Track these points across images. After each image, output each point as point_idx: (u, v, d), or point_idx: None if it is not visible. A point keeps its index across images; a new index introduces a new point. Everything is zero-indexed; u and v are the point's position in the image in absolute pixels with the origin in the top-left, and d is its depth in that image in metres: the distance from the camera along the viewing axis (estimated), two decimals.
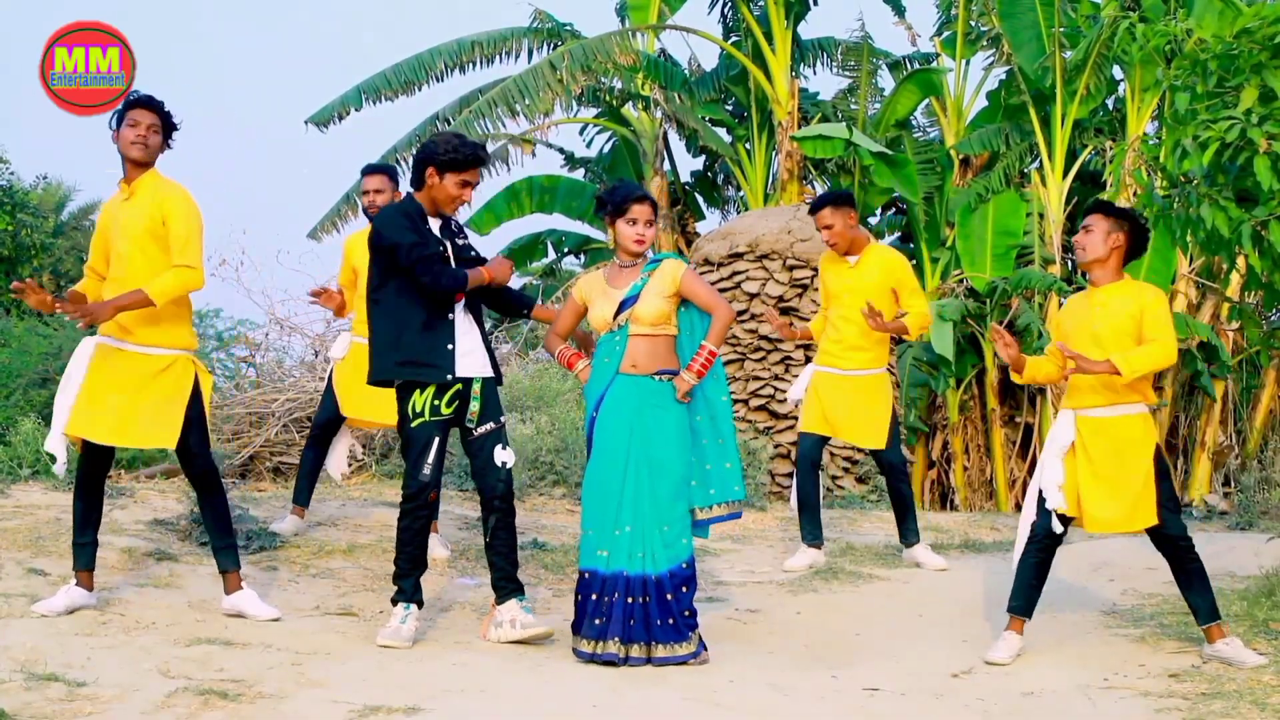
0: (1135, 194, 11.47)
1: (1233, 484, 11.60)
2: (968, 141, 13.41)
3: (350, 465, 9.42)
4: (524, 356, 11.90)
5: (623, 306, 5.19)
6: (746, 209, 14.38)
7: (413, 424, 5.18)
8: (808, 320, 9.26)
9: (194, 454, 5.25)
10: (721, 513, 5.31)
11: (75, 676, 4.43)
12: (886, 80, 14.79)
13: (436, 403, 5.17)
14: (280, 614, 5.33)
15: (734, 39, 14.49)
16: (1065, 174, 12.87)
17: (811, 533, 6.93)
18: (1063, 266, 12.69)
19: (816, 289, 11.47)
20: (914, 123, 14.63)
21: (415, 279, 5.10)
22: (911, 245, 14.14)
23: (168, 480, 8.20)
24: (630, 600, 5.03)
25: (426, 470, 5.16)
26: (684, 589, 5.08)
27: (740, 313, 11.09)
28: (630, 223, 5.21)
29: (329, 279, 9.34)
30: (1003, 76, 13.74)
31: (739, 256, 11.74)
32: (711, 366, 5.20)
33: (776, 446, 10.85)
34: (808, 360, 8.06)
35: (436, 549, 6.40)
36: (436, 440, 5.18)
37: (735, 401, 10.95)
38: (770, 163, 14.37)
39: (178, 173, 5.34)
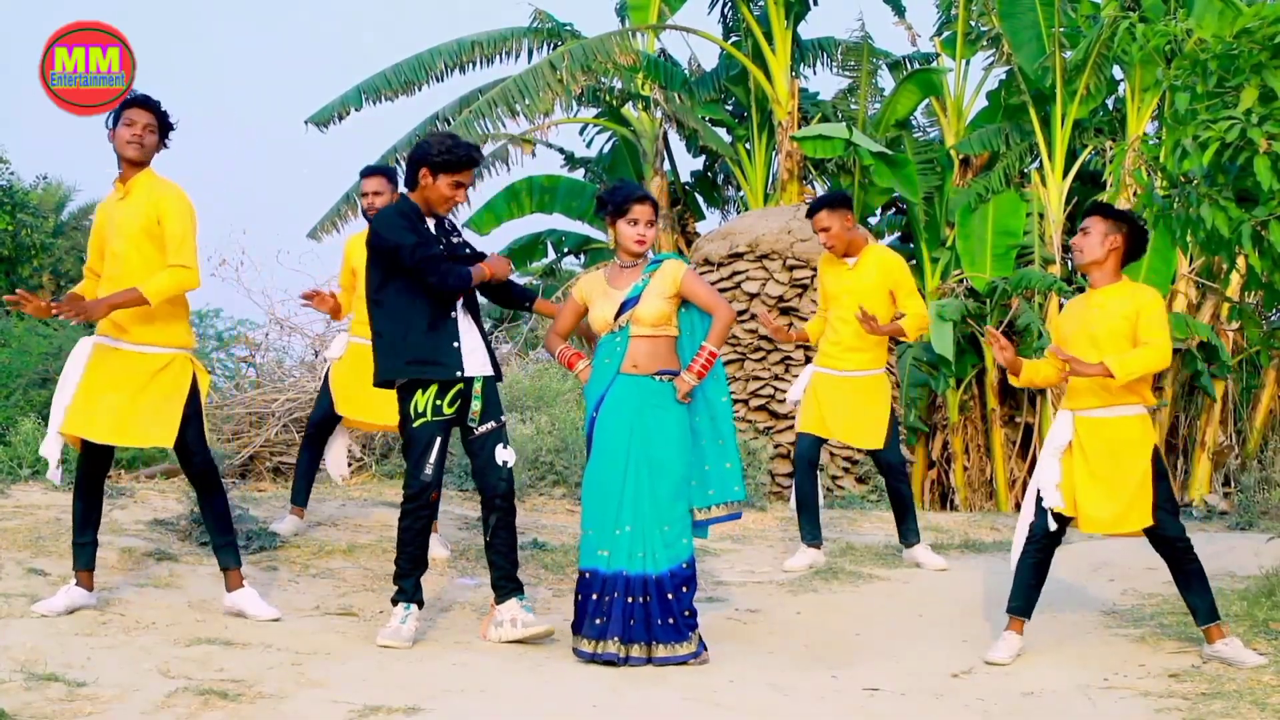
0: (1135, 194, 11.48)
1: (1233, 484, 11.60)
2: (968, 141, 13.41)
3: (350, 465, 9.43)
4: (524, 356, 11.90)
5: (624, 307, 5.19)
6: (746, 209, 14.38)
7: (414, 424, 5.18)
8: (807, 320, 9.26)
9: (191, 452, 5.25)
10: (720, 513, 5.31)
11: (75, 676, 4.43)
12: (886, 80, 14.79)
13: (438, 402, 5.17)
14: (280, 614, 5.33)
15: (734, 39, 14.49)
16: (1065, 174, 12.87)
17: (811, 533, 6.93)
18: (1063, 266, 12.69)
19: (816, 289, 11.48)
20: (914, 123, 14.64)
21: (421, 279, 5.11)
22: (911, 245, 14.14)
23: (168, 480, 8.20)
24: (630, 600, 5.03)
25: (428, 470, 5.16)
26: (684, 589, 5.08)
27: (740, 313, 11.09)
28: (631, 223, 5.21)
29: (329, 279, 9.35)
30: (1003, 76, 13.74)
31: (739, 256, 11.74)
32: (712, 367, 5.20)
33: (776, 446, 10.85)
34: (808, 360, 8.06)
35: (436, 549, 6.40)
36: (438, 440, 5.19)
37: (735, 401, 10.95)
38: (770, 163, 14.37)
39: (178, 173, 5.35)
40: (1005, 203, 13.01)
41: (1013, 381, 5.49)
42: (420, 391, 5.17)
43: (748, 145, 14.51)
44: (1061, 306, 10.89)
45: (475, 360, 5.25)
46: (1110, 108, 13.49)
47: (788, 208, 12.63)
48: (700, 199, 16.08)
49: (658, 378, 5.18)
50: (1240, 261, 6.41)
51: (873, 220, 14.75)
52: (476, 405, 5.24)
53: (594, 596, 5.07)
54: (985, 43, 13.49)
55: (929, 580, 6.73)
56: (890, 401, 6.96)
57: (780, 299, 11.26)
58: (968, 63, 13.87)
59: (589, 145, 16.03)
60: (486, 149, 14.02)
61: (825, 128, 12.67)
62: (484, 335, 5.36)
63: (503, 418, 5.35)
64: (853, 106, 14.43)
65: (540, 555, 6.87)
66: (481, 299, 5.59)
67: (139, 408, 5.15)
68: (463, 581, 6.27)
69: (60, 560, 5.70)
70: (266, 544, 6.41)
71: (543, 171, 15.69)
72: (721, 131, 14.94)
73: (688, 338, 5.28)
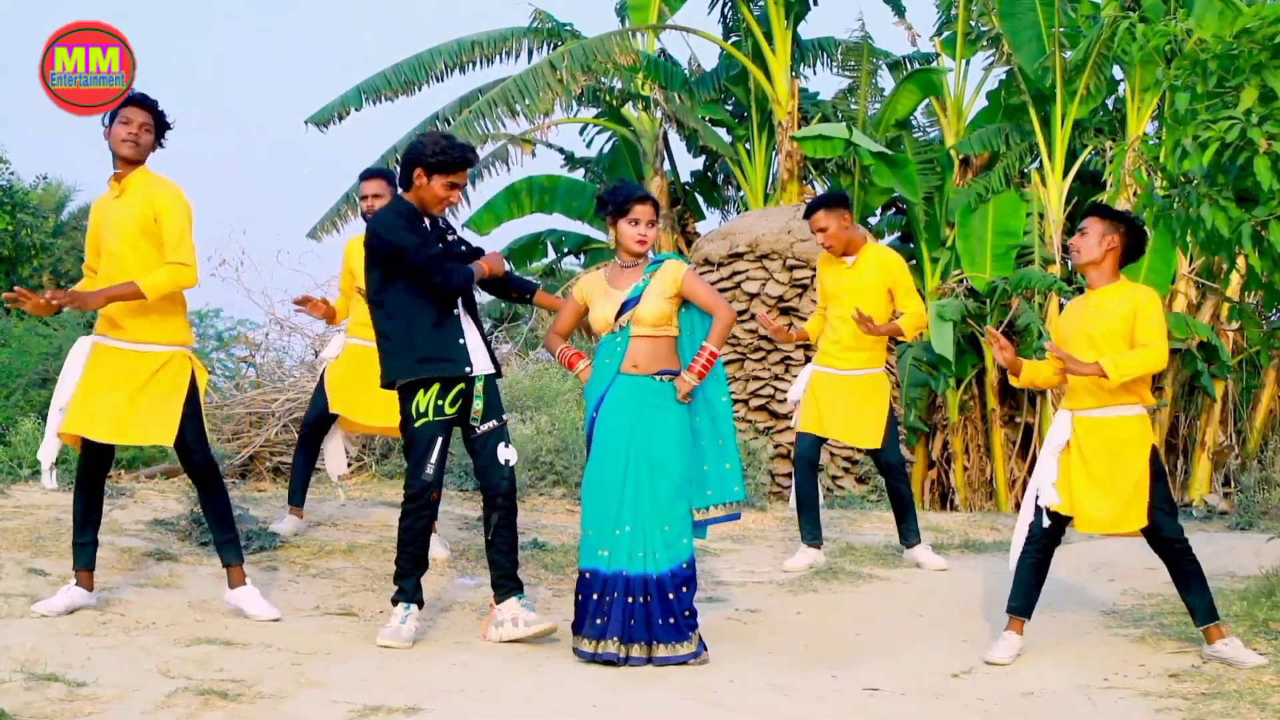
0: (1135, 194, 11.47)
1: (1233, 484, 11.60)
2: (968, 141, 13.41)
3: (350, 466, 9.43)
4: (524, 356, 11.90)
5: (624, 307, 5.19)
6: (746, 209, 14.38)
7: (416, 424, 5.18)
8: (807, 320, 9.26)
9: (191, 450, 5.25)
10: (719, 514, 5.31)
11: (75, 676, 4.43)
12: (886, 80, 14.79)
13: (440, 402, 5.17)
14: (280, 614, 5.33)
15: (734, 39, 14.49)
16: (1065, 174, 12.87)
17: (811, 533, 6.93)
18: (1063, 266, 12.69)
19: (816, 289, 11.48)
20: (914, 123, 14.64)
21: (425, 279, 5.11)
22: (911, 245, 14.14)
23: (168, 480, 8.20)
24: (631, 600, 5.03)
25: (429, 470, 5.16)
26: (684, 589, 5.08)
27: (740, 313, 11.09)
28: (632, 223, 5.21)
29: (329, 280, 9.35)
30: (1003, 76, 13.74)
31: (739, 256, 11.74)
32: (712, 367, 5.20)
33: (776, 446, 10.85)
34: (808, 360, 8.07)
35: (436, 549, 6.40)
36: (439, 440, 5.19)
37: (735, 401, 10.95)
38: (770, 163, 14.37)
39: (178, 173, 5.35)
40: (1005, 203, 13.01)
41: (1013, 382, 5.50)
42: (422, 391, 5.17)
43: (748, 145, 14.51)
44: (1061, 307, 10.89)
45: (479, 358, 5.26)
46: (1110, 108, 13.49)
47: (788, 208, 12.63)
48: (700, 199, 16.08)
49: (658, 378, 5.18)
50: (1240, 261, 6.41)
51: (873, 220, 14.75)
52: (478, 404, 5.25)
53: (594, 596, 5.07)
54: (985, 43, 13.49)
55: (929, 580, 6.73)
56: (889, 401, 6.95)
57: (780, 299, 11.26)
58: (968, 63, 13.87)
59: (589, 145, 16.04)
60: (486, 149, 14.03)
61: (825, 128, 12.67)
62: (483, 333, 5.36)
63: (504, 416, 5.35)
64: (853, 106, 14.44)
65: (540, 555, 6.87)
66: (485, 297, 5.60)
67: (138, 406, 5.15)
68: (463, 581, 6.27)
69: (60, 560, 5.70)
70: (266, 544, 6.41)
71: (543, 171, 15.71)
72: (721, 131, 14.94)
73: (688, 338, 5.28)
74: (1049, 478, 5.22)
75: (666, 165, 14.92)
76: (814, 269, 11.02)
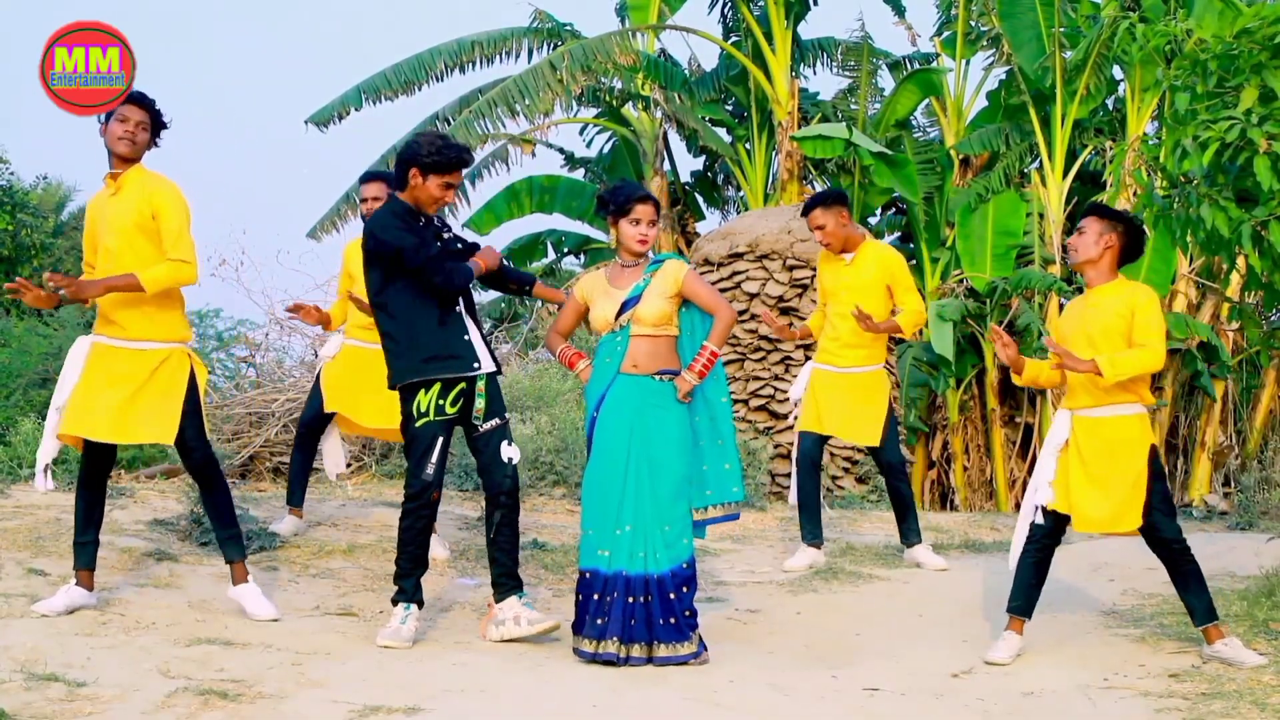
0: (1135, 194, 11.47)
1: (1233, 484, 11.60)
2: (968, 141, 13.41)
3: (350, 466, 9.43)
4: (524, 356, 11.90)
5: (625, 307, 5.20)
6: (746, 209, 14.38)
7: (417, 423, 5.18)
8: (806, 320, 9.27)
9: (191, 447, 5.25)
10: (718, 514, 5.31)
11: (75, 676, 4.43)
12: (886, 80, 14.79)
13: (441, 402, 5.17)
14: (279, 614, 5.33)
15: (734, 39, 14.49)
16: (1065, 174, 12.87)
17: (811, 532, 6.93)
18: (1063, 266, 12.69)
19: (817, 287, 11.48)
20: (914, 123, 14.63)
21: (426, 279, 5.11)
22: (911, 245, 14.14)
23: (168, 480, 8.20)
24: (631, 600, 5.03)
25: (429, 470, 5.16)
26: (685, 588, 5.08)
27: (740, 313, 11.09)
28: (634, 223, 5.21)
29: (329, 280, 9.35)
30: (1003, 76, 13.74)
31: (739, 256, 11.74)
32: (713, 367, 5.21)
33: (776, 446, 10.85)
34: (808, 360, 8.07)
35: (436, 549, 6.40)
36: (440, 440, 5.19)
37: (735, 402, 10.95)
38: (770, 163, 14.37)
39: (178, 172, 5.34)
40: (1005, 203, 13.01)
41: (1016, 380, 5.50)
42: (423, 391, 5.17)
43: (748, 145, 14.51)
44: (1061, 307, 10.89)
45: (483, 355, 5.27)
46: (1110, 108, 13.49)
47: (788, 208, 12.63)
48: (700, 199, 16.08)
49: (658, 378, 5.18)
50: (1240, 261, 6.40)
51: (873, 220, 14.75)
52: (480, 403, 5.25)
53: (594, 596, 5.07)
54: (985, 43, 13.48)
55: (929, 580, 6.73)
56: (889, 399, 6.95)
57: (780, 299, 11.26)
58: (968, 63, 13.87)
59: (589, 145, 16.03)
60: (486, 149, 14.04)
61: (825, 128, 12.67)
62: (481, 331, 5.37)
63: (506, 415, 5.36)
64: (853, 106, 14.43)
65: (540, 555, 6.87)
66: (484, 296, 5.61)
67: (138, 405, 5.16)
68: (463, 581, 6.27)
69: (60, 560, 5.70)
70: (266, 544, 6.41)
71: (543, 171, 15.70)
72: (721, 131, 14.94)
73: (688, 337, 5.29)
74: (1046, 477, 5.24)
75: (666, 165, 14.92)
76: (814, 269, 11.01)
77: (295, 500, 6.79)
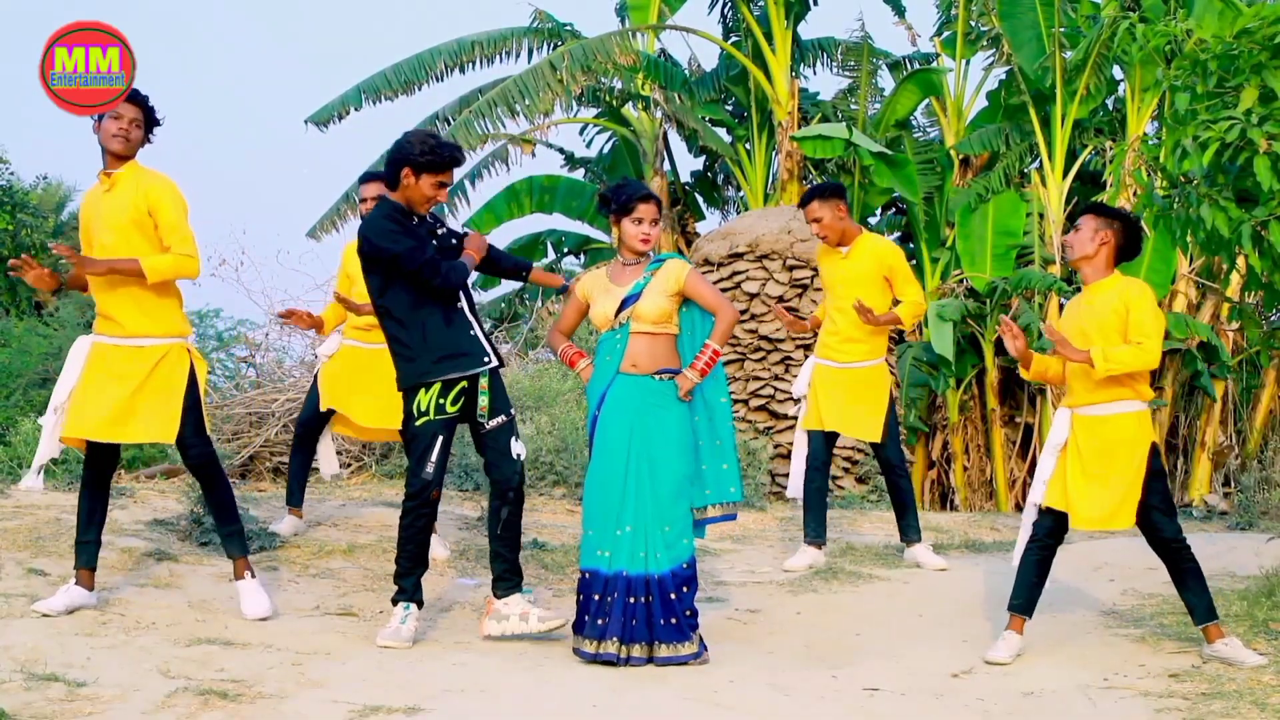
0: (1135, 194, 11.47)
1: (1233, 484, 11.60)
2: (968, 141, 13.40)
3: (350, 466, 9.43)
4: (524, 356, 11.90)
5: (625, 304, 5.20)
6: (746, 209, 14.38)
7: (417, 422, 5.18)
8: (815, 311, 9.28)
9: (188, 444, 5.24)
10: (716, 514, 5.32)
11: (75, 676, 4.43)
12: (886, 80, 14.78)
13: (441, 401, 5.17)
14: (270, 612, 5.32)
15: (734, 39, 14.48)
16: (1065, 174, 12.86)
17: (815, 530, 6.93)
18: (1063, 267, 12.67)
19: (817, 289, 11.49)
20: (914, 123, 14.62)
21: (424, 282, 5.10)
22: (911, 245, 14.13)
23: (168, 480, 8.21)
24: (632, 600, 5.03)
25: (429, 469, 5.16)
26: (685, 589, 5.09)
27: (740, 313, 11.09)
28: (636, 221, 5.21)
29: (328, 280, 9.35)
30: (1003, 76, 13.72)
31: (739, 256, 11.75)
32: (715, 365, 5.21)
33: (776, 447, 10.85)
34: (808, 358, 8.07)
35: (436, 549, 6.40)
36: (441, 439, 5.19)
37: (735, 402, 10.95)
38: (770, 163, 14.36)
39: (178, 172, 5.35)
40: (1005, 203, 13.00)
41: (1023, 374, 5.52)
42: (424, 390, 5.17)
43: (748, 145, 14.50)
44: (1062, 307, 10.89)
45: (488, 350, 5.28)
46: (1110, 108, 13.48)
47: (788, 208, 12.62)
48: (700, 199, 16.07)
49: (658, 377, 5.18)
50: (1240, 261, 6.40)
51: (873, 220, 14.74)
52: (484, 400, 5.25)
53: (595, 597, 5.07)
54: (985, 43, 13.47)
55: (929, 580, 6.73)
56: (889, 394, 6.93)
57: (780, 299, 11.26)
58: (968, 63, 13.85)
59: (589, 145, 16.02)
60: (486, 149, 14.03)
61: (825, 128, 12.66)
62: (482, 326, 5.37)
63: (512, 411, 5.36)
64: (853, 106, 14.42)
65: (540, 555, 6.87)
66: (484, 296, 5.62)
67: (138, 404, 5.16)
68: (463, 581, 6.27)
69: (60, 560, 5.70)
70: (266, 544, 6.41)
71: (543, 171, 15.69)
72: (721, 131, 14.93)
73: (688, 337, 5.29)
74: (1043, 476, 5.25)
75: (666, 165, 14.91)
76: (814, 269, 11.02)
77: (295, 500, 6.80)
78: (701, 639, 5.12)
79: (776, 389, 11.26)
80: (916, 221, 13.48)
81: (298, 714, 4.25)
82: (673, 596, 5.04)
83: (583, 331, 9.15)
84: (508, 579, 5.30)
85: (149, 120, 5.28)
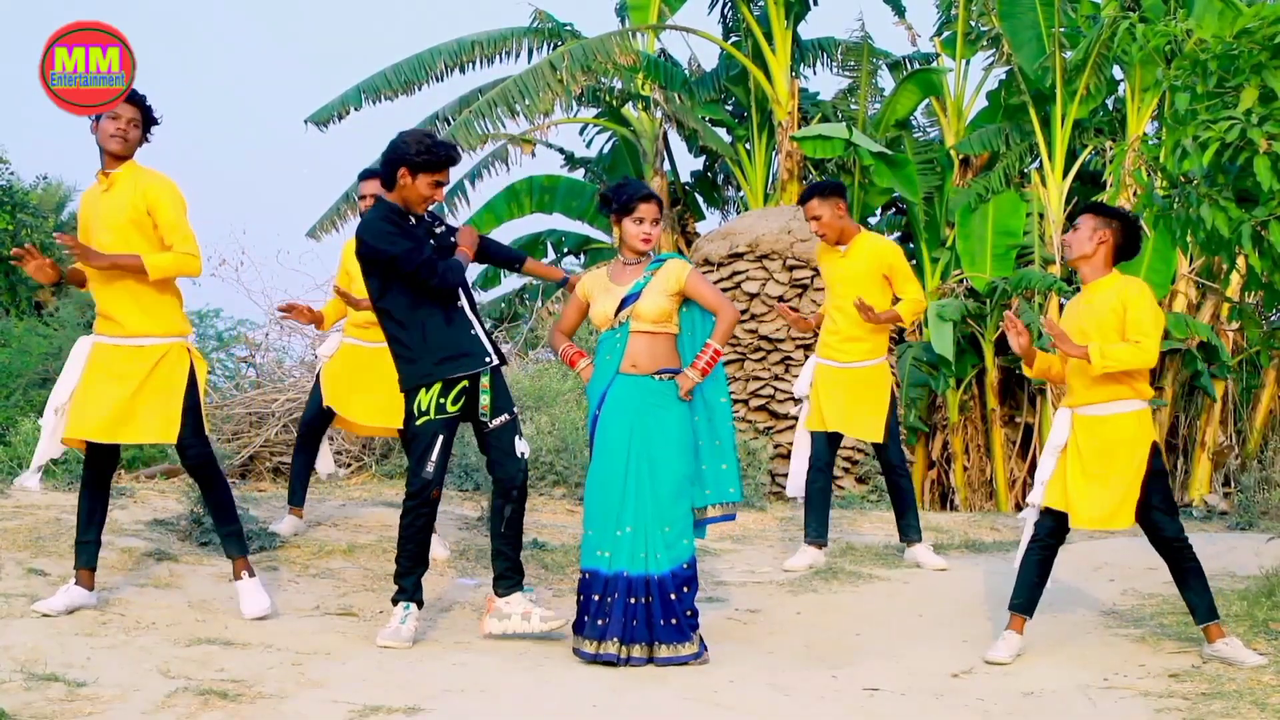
0: (1135, 194, 11.47)
1: (1233, 484, 11.60)
2: (968, 141, 13.40)
3: (350, 466, 9.43)
4: (524, 356, 11.90)
5: (624, 303, 5.20)
6: (746, 209, 14.38)
7: (418, 421, 5.19)
8: (810, 318, 9.28)
9: (186, 445, 5.24)
10: (715, 514, 5.32)
11: (75, 676, 4.43)
12: (886, 80, 14.77)
13: (442, 400, 5.17)
14: (268, 611, 5.32)
15: (734, 39, 14.48)
16: (1065, 174, 12.86)
17: (816, 530, 6.92)
18: (1063, 267, 12.67)
19: (818, 289, 11.49)
20: (914, 123, 14.62)
21: (422, 283, 5.10)
22: (911, 245, 14.13)
23: (168, 480, 8.20)
24: (632, 601, 5.03)
25: (430, 468, 5.16)
26: (686, 589, 5.09)
27: (740, 312, 11.09)
28: (637, 221, 5.21)
29: (328, 279, 9.35)
30: (1003, 76, 13.72)
31: (739, 256, 11.75)
32: (716, 365, 5.21)
33: (776, 446, 10.85)
34: (808, 359, 8.07)
35: (436, 549, 6.40)
36: (441, 438, 5.19)
37: (735, 402, 10.95)
38: (770, 163, 14.36)
39: (178, 172, 5.35)
40: (1005, 203, 13.00)
41: (1025, 371, 5.53)
42: (424, 390, 5.17)
43: (748, 145, 14.50)
44: (1062, 307, 10.89)
45: (489, 349, 5.28)
46: (1110, 108, 13.47)
47: (788, 208, 12.62)
48: (700, 199, 16.07)
49: (658, 377, 5.18)
50: (1240, 261, 6.40)
51: (873, 220, 14.74)
52: (486, 399, 5.25)
53: (594, 597, 5.07)
54: (985, 43, 13.46)
55: (929, 580, 6.73)
56: (890, 394, 6.93)
57: (780, 299, 11.26)
58: (968, 63, 13.85)
59: (589, 145, 16.02)
60: (486, 149, 14.02)
61: (825, 128, 12.66)
62: (482, 323, 5.37)
63: (515, 409, 5.36)
64: (853, 106, 14.42)
65: (540, 555, 6.86)
66: (484, 296, 5.62)
67: (139, 404, 5.16)
68: (463, 581, 6.27)
69: (60, 560, 5.70)
70: (266, 544, 6.41)
71: (543, 171, 15.69)
72: (721, 131, 14.93)
73: (688, 337, 5.29)
74: (1043, 476, 5.26)
75: (666, 165, 14.91)
76: (814, 269, 11.02)
77: (296, 500, 6.80)
78: (702, 639, 5.12)
79: (776, 389, 11.26)
80: (916, 221, 13.48)
81: (298, 714, 4.25)
82: (673, 597, 5.04)
83: (583, 331, 9.15)
84: (509, 577, 5.30)
85: (147, 120, 5.28)
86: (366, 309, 5.96)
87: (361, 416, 6.55)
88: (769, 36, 13.62)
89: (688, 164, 20.12)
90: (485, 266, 15.67)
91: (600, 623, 5.04)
